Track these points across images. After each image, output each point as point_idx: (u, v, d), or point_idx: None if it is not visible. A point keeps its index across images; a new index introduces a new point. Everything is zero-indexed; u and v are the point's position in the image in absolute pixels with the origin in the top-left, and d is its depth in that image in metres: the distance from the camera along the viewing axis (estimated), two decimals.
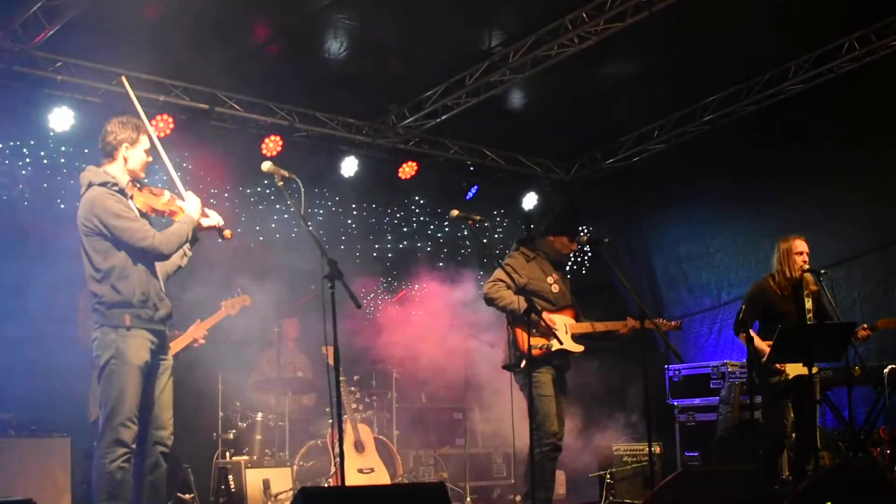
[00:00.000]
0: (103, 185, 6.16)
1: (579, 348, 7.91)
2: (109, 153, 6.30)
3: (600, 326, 8.00)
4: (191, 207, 6.36)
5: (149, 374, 6.14)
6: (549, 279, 7.98)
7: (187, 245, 6.44)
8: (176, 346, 7.58)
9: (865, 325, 8.38)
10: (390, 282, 12.56)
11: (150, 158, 6.39)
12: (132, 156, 6.29)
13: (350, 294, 5.72)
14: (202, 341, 7.81)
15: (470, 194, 12.96)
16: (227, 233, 6.52)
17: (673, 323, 8.32)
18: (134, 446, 6.03)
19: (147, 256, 6.18)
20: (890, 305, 10.95)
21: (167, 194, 6.42)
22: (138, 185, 6.33)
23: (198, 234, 6.48)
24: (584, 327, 7.97)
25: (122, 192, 6.21)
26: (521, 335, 7.62)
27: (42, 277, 8.96)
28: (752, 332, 8.05)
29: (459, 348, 11.04)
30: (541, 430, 7.52)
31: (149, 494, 6.18)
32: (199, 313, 8.04)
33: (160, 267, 6.36)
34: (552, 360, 7.82)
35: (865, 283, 11.28)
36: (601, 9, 9.75)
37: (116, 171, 6.27)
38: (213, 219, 6.48)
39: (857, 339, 8.24)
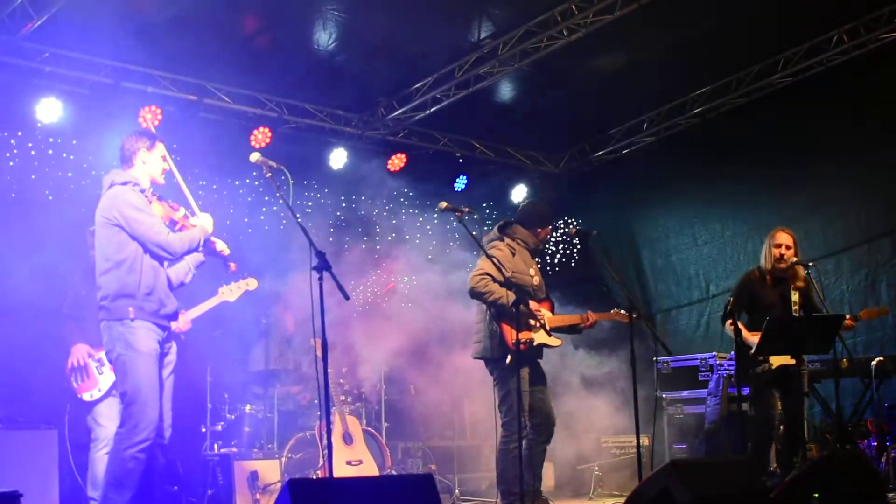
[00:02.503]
0: (125, 183, 6.43)
1: (558, 342, 7.92)
2: (128, 159, 6.58)
3: (568, 319, 8.00)
4: (204, 221, 6.63)
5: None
6: (531, 271, 7.96)
7: (194, 262, 6.74)
8: None
9: (849, 316, 8.41)
10: (379, 274, 12.54)
11: (168, 166, 6.64)
12: (149, 159, 6.57)
13: (338, 286, 5.72)
14: (187, 327, 7.81)
15: (459, 186, 12.96)
16: (232, 265, 6.83)
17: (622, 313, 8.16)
18: (153, 434, 6.17)
19: (157, 253, 6.37)
20: (877, 298, 10.99)
21: (183, 210, 6.70)
22: (157, 196, 6.61)
23: (205, 257, 6.77)
24: (559, 320, 7.96)
25: (143, 192, 6.48)
26: (508, 329, 7.59)
27: (28, 270, 8.92)
28: (739, 324, 8.08)
29: (448, 340, 11.03)
30: (514, 423, 7.48)
31: (139, 484, 6.23)
32: (184, 304, 8.04)
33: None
34: (532, 354, 7.82)
35: (854, 276, 11.31)
36: (590, 1, 9.76)
37: (137, 174, 6.55)
38: (221, 245, 6.79)
39: (841, 329, 8.26)
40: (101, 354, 7.80)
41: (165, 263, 6.54)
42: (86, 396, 7.88)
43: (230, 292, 8.15)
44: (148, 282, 6.31)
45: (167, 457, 9.04)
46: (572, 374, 10.96)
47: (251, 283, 8.25)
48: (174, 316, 6.60)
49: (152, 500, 6.54)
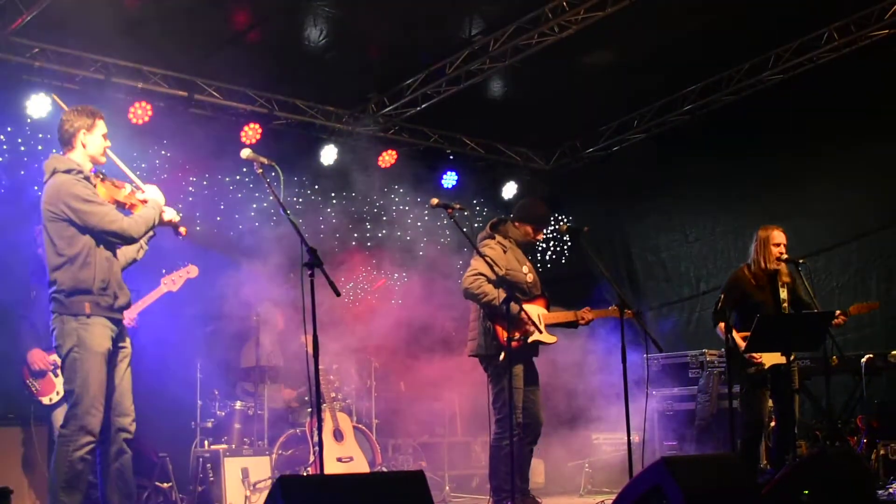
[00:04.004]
0: (68, 171, 6.15)
1: (553, 339, 7.91)
2: (68, 141, 6.32)
3: (563, 317, 7.99)
4: (153, 194, 6.41)
5: (109, 361, 6.14)
6: (524, 268, 7.96)
7: (144, 238, 6.45)
8: None
9: (839, 312, 8.44)
10: (370, 270, 12.54)
11: (109, 143, 6.40)
12: (90, 141, 6.30)
13: (329, 282, 5.70)
14: (130, 323, 7.77)
15: (449, 183, 12.95)
16: (182, 229, 6.57)
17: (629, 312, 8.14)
18: (99, 437, 6.02)
19: (113, 242, 6.19)
20: (867, 294, 11.02)
21: (128, 187, 6.46)
22: (101, 177, 6.35)
23: (154, 229, 6.46)
24: (554, 317, 7.95)
25: (87, 179, 6.21)
26: (501, 328, 7.59)
27: (20, 266, 8.90)
28: (729, 323, 8.10)
29: (438, 337, 11.03)
30: (507, 420, 7.47)
31: (116, 482, 6.17)
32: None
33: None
34: (526, 352, 7.81)
35: (843, 273, 11.34)
36: None
37: (78, 158, 6.28)
38: (170, 214, 6.51)
39: (832, 326, 8.28)
40: (56, 357, 7.79)
41: (118, 252, 6.34)
42: (45, 400, 7.90)
43: (172, 282, 8.10)
44: (103, 276, 6.10)
45: (157, 453, 9.09)
46: (562, 369, 10.96)
47: (192, 271, 8.21)
48: (128, 306, 6.39)
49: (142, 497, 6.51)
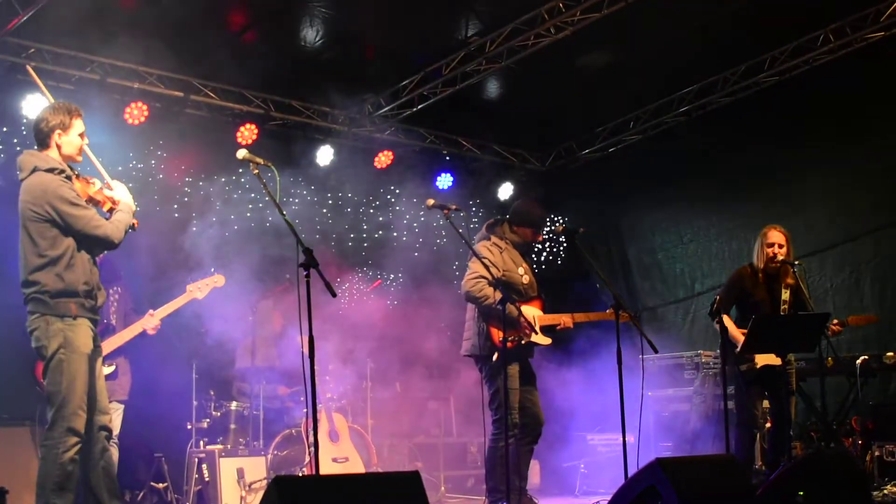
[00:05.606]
0: (51, 170, 6.08)
1: (547, 341, 7.89)
2: (43, 141, 6.22)
3: (559, 319, 7.97)
4: (125, 197, 6.38)
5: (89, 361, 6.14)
6: (520, 270, 7.95)
7: None
8: (125, 335, 7.60)
9: (837, 321, 8.45)
10: (365, 271, 12.54)
11: (87, 141, 6.32)
12: (65, 142, 6.21)
13: (325, 283, 5.69)
14: (152, 331, 7.75)
15: (445, 184, 12.94)
16: (134, 221, 6.50)
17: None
18: (84, 436, 6.02)
19: (94, 245, 6.16)
20: (861, 296, 11.04)
21: (98, 183, 6.40)
22: (76, 173, 6.29)
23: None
24: (550, 318, 7.94)
25: (69, 178, 6.15)
26: (495, 328, 7.59)
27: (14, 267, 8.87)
28: (728, 319, 8.10)
29: (434, 337, 11.02)
30: (503, 421, 7.48)
31: (104, 480, 6.16)
32: (167, 300, 8.06)
33: None
34: (521, 353, 7.81)
35: (837, 274, 11.36)
36: None
37: (55, 156, 6.19)
38: None
39: (828, 333, 8.28)
40: None
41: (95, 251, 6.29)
42: None
43: (198, 290, 8.08)
44: (85, 277, 6.07)
45: (152, 453, 9.09)
46: (558, 370, 10.97)
47: (219, 280, 8.20)
48: (102, 306, 6.36)
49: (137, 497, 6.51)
